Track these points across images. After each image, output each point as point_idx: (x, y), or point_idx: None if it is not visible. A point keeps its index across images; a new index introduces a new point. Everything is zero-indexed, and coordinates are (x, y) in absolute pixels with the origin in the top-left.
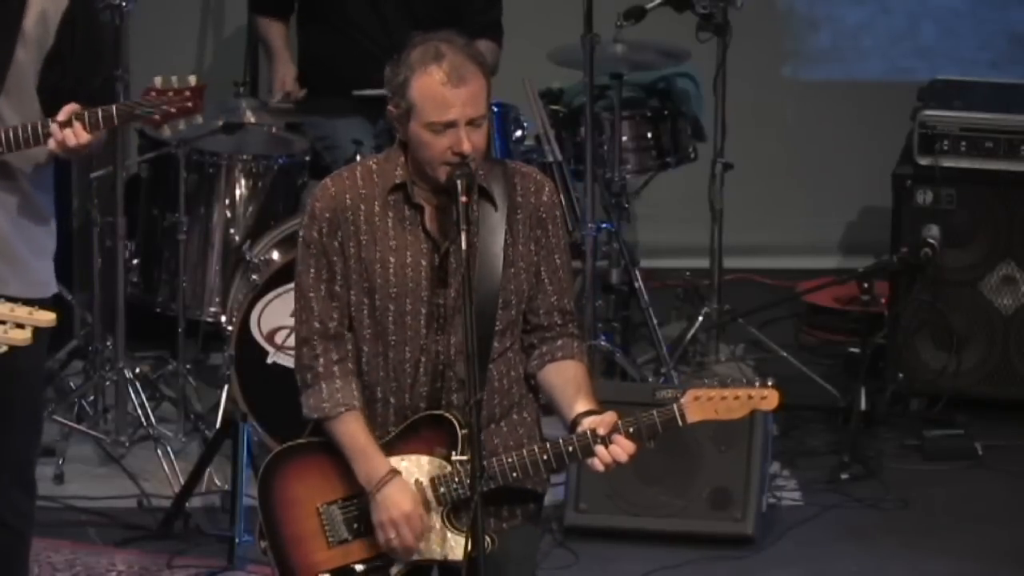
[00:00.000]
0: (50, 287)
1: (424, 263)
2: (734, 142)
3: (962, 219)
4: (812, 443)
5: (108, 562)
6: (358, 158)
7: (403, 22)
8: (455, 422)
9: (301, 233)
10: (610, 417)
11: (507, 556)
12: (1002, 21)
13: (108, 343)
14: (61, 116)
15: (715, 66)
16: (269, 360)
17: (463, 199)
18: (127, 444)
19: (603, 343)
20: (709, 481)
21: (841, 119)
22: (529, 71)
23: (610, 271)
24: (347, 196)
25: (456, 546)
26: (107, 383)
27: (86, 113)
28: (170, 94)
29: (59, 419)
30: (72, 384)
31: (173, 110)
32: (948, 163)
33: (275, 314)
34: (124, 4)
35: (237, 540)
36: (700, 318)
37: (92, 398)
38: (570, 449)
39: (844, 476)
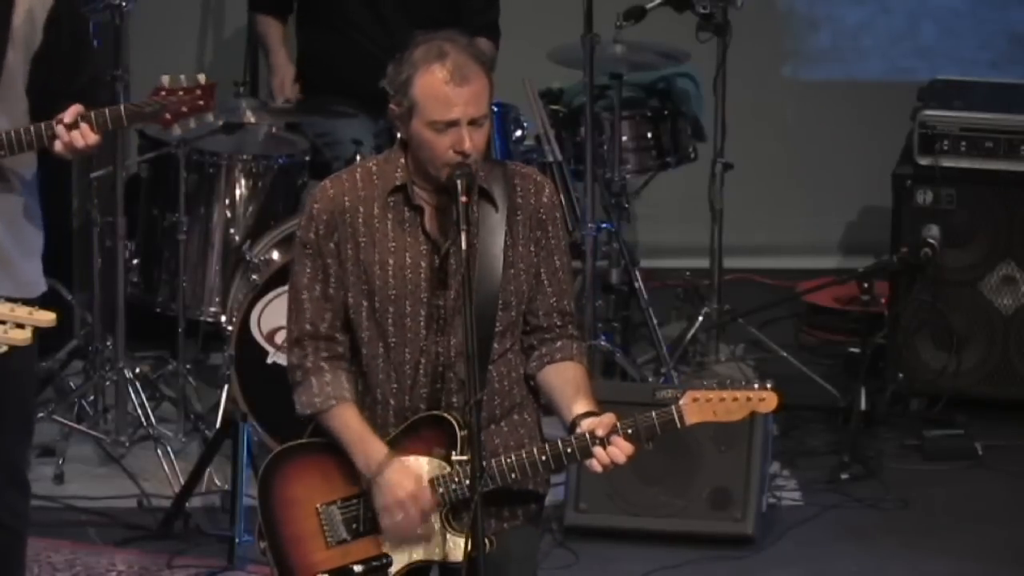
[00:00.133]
0: (39, 287)
1: (424, 264)
2: (734, 142)
3: (962, 219)
4: (812, 443)
5: (108, 562)
6: (358, 158)
7: (402, 22)
8: (455, 423)
9: (298, 234)
10: (609, 419)
11: (508, 556)
12: (1002, 21)
13: (108, 343)
14: (67, 118)
15: (715, 66)
16: (269, 360)
17: (463, 199)
18: (127, 444)
19: (603, 343)
20: (709, 481)
21: (841, 119)
22: (529, 71)
23: (610, 271)
24: (346, 198)
25: (456, 547)
26: (107, 383)
27: (93, 114)
28: (180, 93)
29: (59, 419)
30: (72, 384)
31: (185, 109)
32: (948, 163)
33: (275, 314)
34: (124, 4)
35: (237, 540)
36: (700, 318)
37: (92, 398)
38: (569, 450)
39: (844, 476)
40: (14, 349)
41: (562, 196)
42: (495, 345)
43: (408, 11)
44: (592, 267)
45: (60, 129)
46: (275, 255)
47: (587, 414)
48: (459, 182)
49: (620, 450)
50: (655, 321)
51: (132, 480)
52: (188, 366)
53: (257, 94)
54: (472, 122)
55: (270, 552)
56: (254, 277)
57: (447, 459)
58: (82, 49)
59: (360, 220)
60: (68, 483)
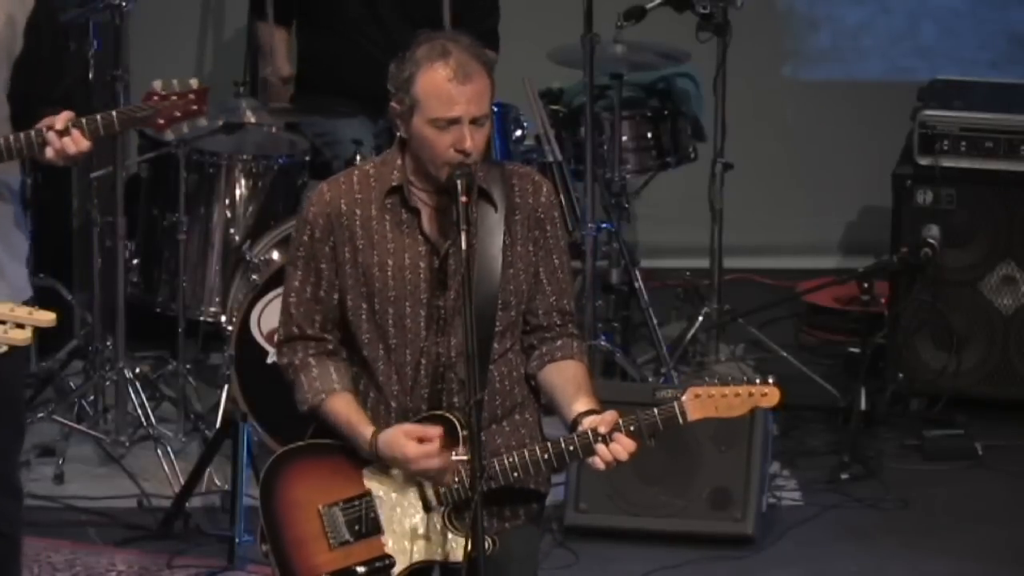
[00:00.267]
0: (26, 291)
1: (423, 265)
2: (734, 142)
3: (962, 219)
4: (812, 443)
5: (108, 562)
6: (358, 158)
7: (401, 24)
8: (456, 422)
9: (292, 236)
10: (611, 416)
11: (509, 556)
12: (1002, 21)
13: (108, 343)
14: (58, 124)
15: (715, 66)
16: (269, 360)
17: (463, 199)
18: (127, 444)
19: (603, 343)
20: (709, 481)
21: (841, 119)
22: (529, 71)
23: (610, 271)
24: (342, 201)
25: (456, 547)
26: (107, 383)
27: (84, 120)
28: (173, 98)
29: (59, 419)
30: (72, 384)
31: (178, 113)
32: (948, 163)
33: (275, 314)
34: (124, 4)
35: (237, 540)
36: (700, 318)
37: (92, 398)
38: (571, 448)
39: (844, 476)
40: (3, 356)
41: (562, 196)
42: (495, 345)
43: (408, 13)
44: (592, 267)
45: (51, 136)
46: (275, 255)
47: (588, 412)
48: (459, 182)
49: (622, 447)
50: (655, 321)
51: (132, 480)
52: (188, 366)
53: (257, 94)
54: (473, 121)
55: (272, 555)
56: (254, 277)
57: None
58: (62, 54)
59: (358, 223)
60: (68, 483)
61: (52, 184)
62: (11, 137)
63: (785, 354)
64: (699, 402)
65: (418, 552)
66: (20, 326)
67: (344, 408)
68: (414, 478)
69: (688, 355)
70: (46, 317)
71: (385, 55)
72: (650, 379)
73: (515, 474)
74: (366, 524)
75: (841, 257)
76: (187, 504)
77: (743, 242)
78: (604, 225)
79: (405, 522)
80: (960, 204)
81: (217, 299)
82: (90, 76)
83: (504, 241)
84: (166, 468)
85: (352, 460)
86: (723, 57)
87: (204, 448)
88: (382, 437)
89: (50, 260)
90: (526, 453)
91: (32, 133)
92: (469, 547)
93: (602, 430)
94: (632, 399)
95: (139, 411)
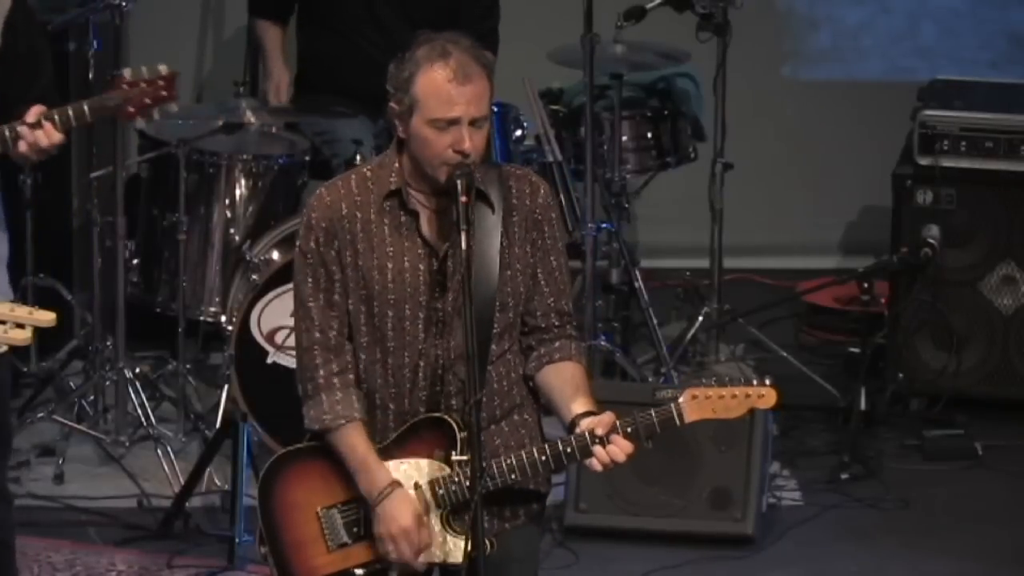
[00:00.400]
0: (9, 294)
1: (422, 268)
2: (734, 142)
3: (962, 219)
4: (812, 443)
5: (108, 562)
6: (358, 158)
7: (401, 25)
8: (454, 424)
9: (298, 243)
10: (608, 417)
11: (509, 556)
12: (1002, 21)
13: (108, 343)
14: (30, 118)
15: (715, 66)
16: (269, 360)
17: (463, 199)
18: (127, 444)
19: (603, 343)
20: (709, 481)
21: (841, 119)
22: (529, 71)
23: (610, 271)
24: (342, 205)
25: (455, 549)
26: (107, 383)
27: (55, 112)
28: (143, 84)
29: (59, 419)
30: (72, 384)
31: (148, 100)
32: (948, 163)
33: (275, 314)
34: (124, 4)
35: (237, 540)
36: (700, 318)
37: (92, 398)
38: (568, 450)
39: (844, 476)
40: None
41: (562, 196)
42: (493, 346)
43: (405, 14)
44: (592, 267)
45: (24, 129)
46: (275, 255)
47: (586, 413)
48: (459, 182)
49: (620, 449)
50: (655, 321)
51: (132, 480)
52: (188, 366)
53: (257, 94)
54: (473, 122)
55: (271, 557)
56: (254, 277)
57: (447, 460)
58: (40, 54)
59: (358, 226)
60: (68, 483)
61: (52, 184)
62: None
63: (785, 354)
64: (696, 403)
65: (416, 565)
66: (20, 326)
67: (362, 442)
68: (411, 480)
69: (688, 355)
70: (46, 317)
71: (385, 55)
72: (650, 379)
73: (513, 475)
74: (364, 526)
75: (841, 257)
76: (187, 504)
77: (743, 242)
78: (604, 225)
79: None
80: (960, 204)
81: (217, 299)
82: (90, 76)
83: (502, 243)
84: (166, 468)
85: None
86: (723, 57)
87: (204, 448)
88: (397, 493)
89: (50, 260)
90: (524, 455)
91: (5, 128)
92: (469, 547)
93: (599, 432)
94: (632, 399)
95: (139, 411)
